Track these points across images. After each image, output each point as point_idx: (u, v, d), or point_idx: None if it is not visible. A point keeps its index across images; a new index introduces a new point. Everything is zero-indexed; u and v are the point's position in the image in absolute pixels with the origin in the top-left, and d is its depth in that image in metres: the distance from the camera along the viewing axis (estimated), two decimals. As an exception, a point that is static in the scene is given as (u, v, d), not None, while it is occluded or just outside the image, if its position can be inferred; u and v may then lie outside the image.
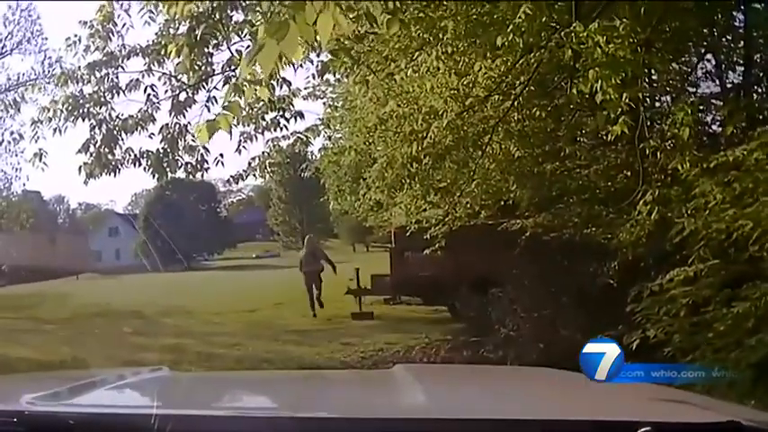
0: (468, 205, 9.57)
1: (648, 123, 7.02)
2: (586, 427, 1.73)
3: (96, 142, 6.16)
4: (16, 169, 21.45)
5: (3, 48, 21.26)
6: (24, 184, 22.93)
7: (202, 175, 6.73)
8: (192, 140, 6.26)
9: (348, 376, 4.83)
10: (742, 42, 8.57)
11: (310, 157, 16.92)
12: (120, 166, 6.19)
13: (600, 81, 5.31)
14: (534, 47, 6.30)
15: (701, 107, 8.14)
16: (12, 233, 25.21)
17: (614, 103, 5.38)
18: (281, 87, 6.04)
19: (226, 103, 2.92)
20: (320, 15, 2.35)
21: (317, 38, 2.61)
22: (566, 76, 7.23)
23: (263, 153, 7.00)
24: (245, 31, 5.45)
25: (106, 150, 6.12)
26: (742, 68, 8.68)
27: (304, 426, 1.85)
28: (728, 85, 8.87)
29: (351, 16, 3.21)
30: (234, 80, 3.81)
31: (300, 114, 6.74)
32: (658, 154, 6.10)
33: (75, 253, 33.90)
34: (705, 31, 8.43)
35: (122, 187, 61.00)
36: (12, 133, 20.21)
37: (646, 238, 6.94)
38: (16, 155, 20.80)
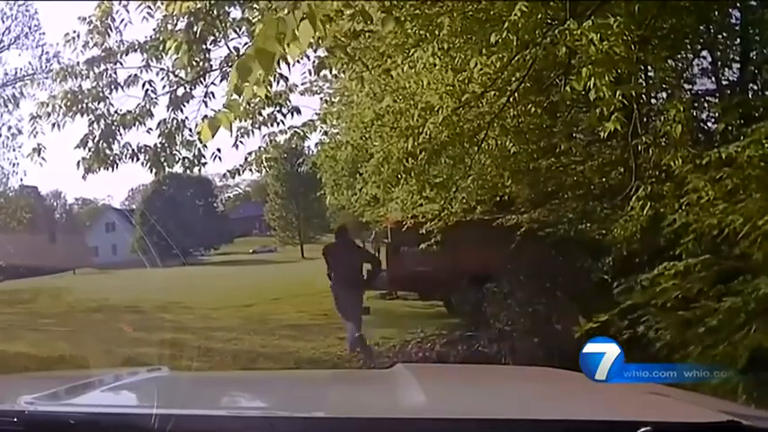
0: (464, 201, 9.61)
1: (645, 120, 7.07)
2: (586, 426, 1.73)
3: (95, 137, 6.19)
4: (13, 164, 21.46)
5: (0, 43, 21.25)
6: (21, 180, 22.94)
7: (200, 170, 6.79)
8: (190, 135, 6.32)
9: (348, 376, 4.83)
10: (738, 39, 8.61)
11: (307, 152, 17.05)
12: (118, 161, 6.23)
13: (593, 79, 5.34)
14: (530, 44, 6.33)
15: (695, 104, 8.20)
16: (8, 228, 25.18)
17: (608, 100, 5.42)
18: (277, 83, 6.08)
19: (225, 102, 2.95)
20: (301, 22, 2.40)
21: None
22: (561, 72, 7.29)
23: (259, 148, 7.03)
24: (243, 28, 5.50)
25: (104, 145, 6.15)
26: (738, 65, 8.72)
27: (303, 426, 1.87)
28: (724, 83, 8.92)
29: (347, 13, 3.26)
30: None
31: (297, 110, 6.78)
32: (651, 150, 6.15)
33: (71, 248, 33.84)
34: (701, 28, 8.46)
35: (119, 182, 60.90)
36: (9, 128, 20.21)
37: (640, 234, 7.00)
38: (14, 150, 20.80)
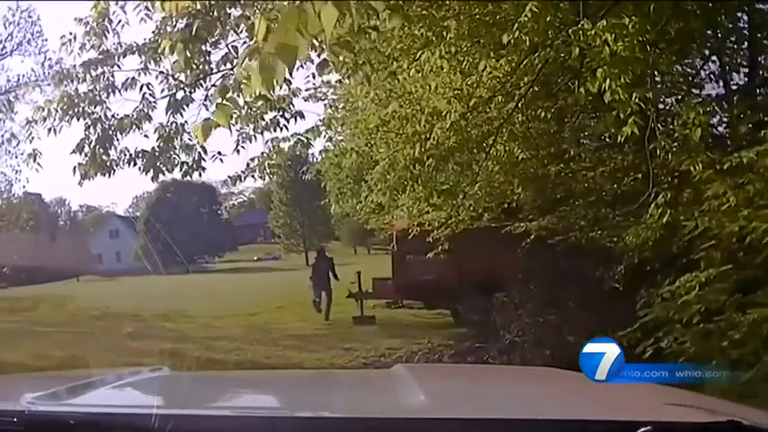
0: (472, 208, 9.45)
1: (653, 125, 6.86)
2: (586, 426, 1.72)
3: (91, 142, 6.01)
4: (16, 171, 21.38)
5: (3, 49, 21.18)
6: (24, 186, 22.85)
7: (200, 174, 6.53)
8: (189, 140, 6.12)
9: (348, 376, 4.86)
10: (746, 44, 8.47)
11: (311, 159, 16.90)
12: (115, 167, 6.05)
13: (608, 80, 5.16)
14: (540, 46, 6.17)
15: (707, 109, 8.02)
16: (13, 235, 25.12)
17: (624, 103, 5.22)
18: (280, 87, 5.87)
19: (220, 100, 2.72)
20: (323, 7, 2.22)
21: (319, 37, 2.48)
22: (572, 75, 7.12)
23: (262, 154, 6.85)
24: (242, 27, 5.29)
25: (101, 150, 5.98)
26: (746, 70, 8.59)
27: (304, 426, 1.86)
28: (734, 87, 8.78)
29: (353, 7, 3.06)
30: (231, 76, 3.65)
31: (300, 114, 6.59)
32: (669, 155, 5.93)
33: (75, 255, 33.75)
34: (709, 32, 8.33)
35: (123, 189, 60.99)
36: (12, 135, 20.11)
37: (653, 242, 6.82)
38: (16, 156, 20.70)
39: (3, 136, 20.39)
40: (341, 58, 5.79)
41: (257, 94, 2.97)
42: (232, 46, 5.65)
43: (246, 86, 2.53)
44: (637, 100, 5.23)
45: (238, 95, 2.88)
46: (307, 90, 7.60)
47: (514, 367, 6.39)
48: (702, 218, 5.62)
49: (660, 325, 5.75)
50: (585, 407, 2.06)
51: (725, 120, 8.43)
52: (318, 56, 5.22)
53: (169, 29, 5.66)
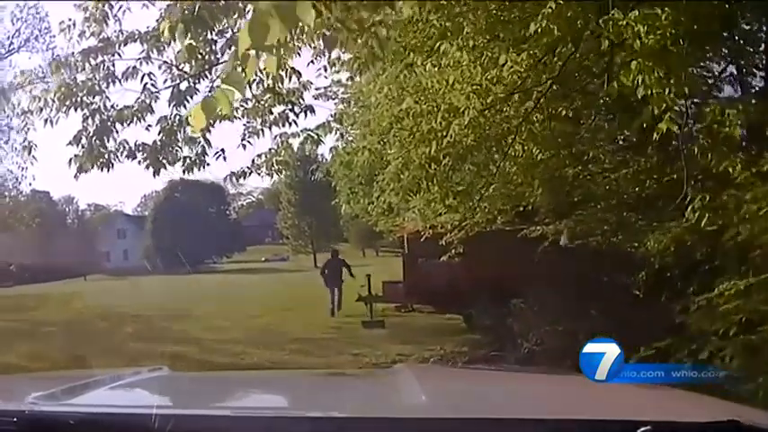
0: (487, 210, 9.15)
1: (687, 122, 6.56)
2: (586, 426, 1.74)
3: (89, 134, 5.73)
4: (23, 168, 21.23)
5: (10, 45, 21.04)
6: (31, 184, 22.70)
7: (200, 169, 6.24)
8: (193, 133, 5.81)
9: (349, 376, 4.84)
10: (763, 46, 8.20)
11: (320, 159, 16.69)
12: (113, 160, 5.76)
13: (642, 74, 4.84)
14: (562, 41, 5.87)
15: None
16: (20, 233, 25.02)
17: (659, 98, 4.89)
18: (290, 79, 5.58)
19: (224, 78, 2.35)
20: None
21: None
22: (590, 76, 6.84)
23: (269, 150, 6.53)
24: (249, 8, 4.98)
25: (98, 143, 5.69)
26: (762, 73, 8.31)
27: (304, 426, 1.88)
28: (753, 90, 8.49)
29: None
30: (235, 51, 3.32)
31: (311, 109, 6.29)
32: (708, 156, 5.59)
33: (83, 254, 33.73)
34: (725, 34, 8.02)
35: (132, 188, 61.13)
36: (18, 132, 19.94)
37: (676, 248, 6.54)
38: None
39: (8, 133, 20.24)
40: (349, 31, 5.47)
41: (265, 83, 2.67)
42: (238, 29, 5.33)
43: (252, 60, 2.23)
44: (672, 95, 4.90)
45: (243, 71, 2.53)
46: (317, 89, 7.28)
47: (514, 369, 6.29)
48: (744, 224, 5.28)
49: (694, 336, 5.43)
50: (585, 407, 2.07)
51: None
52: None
53: (173, 16, 5.35)
